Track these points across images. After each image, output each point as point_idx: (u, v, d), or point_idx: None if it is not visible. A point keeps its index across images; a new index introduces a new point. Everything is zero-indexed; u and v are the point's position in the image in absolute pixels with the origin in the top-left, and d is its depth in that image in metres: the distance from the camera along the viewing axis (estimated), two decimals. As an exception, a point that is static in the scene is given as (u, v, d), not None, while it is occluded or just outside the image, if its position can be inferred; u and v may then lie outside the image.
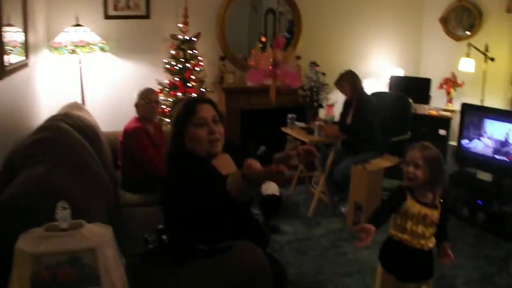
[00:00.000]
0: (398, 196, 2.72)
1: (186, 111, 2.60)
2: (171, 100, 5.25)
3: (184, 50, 5.31)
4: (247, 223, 2.71)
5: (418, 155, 2.68)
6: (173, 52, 5.33)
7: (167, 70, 5.34)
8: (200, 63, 5.44)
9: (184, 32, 5.35)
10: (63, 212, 1.76)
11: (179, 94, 5.23)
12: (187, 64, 5.29)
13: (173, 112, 2.75)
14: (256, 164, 2.24)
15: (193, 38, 5.38)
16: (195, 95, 5.26)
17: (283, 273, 2.81)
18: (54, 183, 2.36)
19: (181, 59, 5.29)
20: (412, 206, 2.68)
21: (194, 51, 5.39)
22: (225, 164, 2.65)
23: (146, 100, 4.26)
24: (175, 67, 5.29)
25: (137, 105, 4.26)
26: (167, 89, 5.31)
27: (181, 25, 5.37)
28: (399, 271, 2.75)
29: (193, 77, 5.31)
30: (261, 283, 2.29)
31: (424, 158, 2.67)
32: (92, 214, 2.31)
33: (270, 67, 4.68)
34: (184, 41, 5.32)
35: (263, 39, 6.11)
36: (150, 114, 4.34)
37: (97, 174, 3.14)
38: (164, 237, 2.24)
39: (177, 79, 5.29)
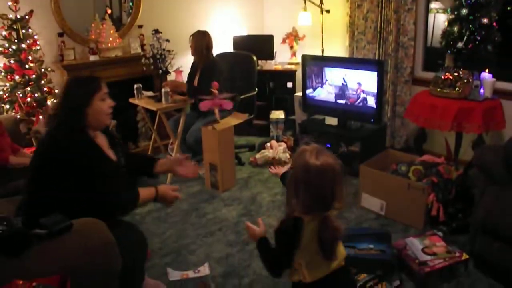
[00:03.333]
0: None
1: (92, 86, 2.83)
2: (8, 84, 4.97)
3: (17, 30, 5.02)
4: None
5: None
6: (4, 33, 5.03)
7: (1, 53, 5.03)
8: (36, 42, 5.17)
9: (14, 11, 5.06)
10: None
11: (17, 77, 4.97)
12: (22, 45, 5.02)
13: (64, 89, 2.80)
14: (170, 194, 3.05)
15: (25, 16, 5.11)
16: (35, 76, 5.03)
17: (143, 240, 3.01)
18: None
19: (14, 40, 5.02)
20: None
21: (28, 30, 5.12)
22: (103, 143, 2.96)
23: None
24: (9, 49, 5.01)
25: None
26: (3, 73, 5.02)
27: (10, 3, 5.06)
28: None
29: (30, 57, 5.05)
30: (109, 256, 2.31)
31: None
32: None
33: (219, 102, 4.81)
34: (15, 20, 5.04)
35: (109, 10, 5.92)
36: None
37: None
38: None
39: (13, 61, 5.02)
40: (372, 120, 5.09)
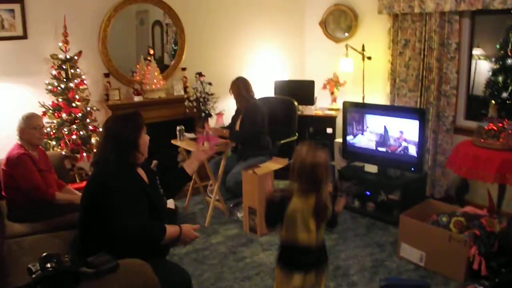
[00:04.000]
0: None
1: (139, 121, 3.02)
2: (56, 122, 5.11)
3: (66, 70, 5.19)
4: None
5: None
6: (54, 72, 5.20)
7: (50, 91, 5.19)
8: (83, 81, 5.33)
9: (65, 51, 5.23)
10: None
11: (64, 115, 5.11)
12: (70, 84, 5.18)
13: (112, 126, 2.92)
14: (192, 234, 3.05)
15: (74, 57, 5.28)
16: (81, 114, 5.16)
17: (187, 281, 3.04)
18: None
19: (63, 79, 5.18)
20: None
21: (76, 69, 5.28)
22: (145, 178, 3.06)
23: (34, 127, 4.18)
24: (58, 87, 5.17)
25: (22, 132, 4.13)
26: (51, 111, 5.17)
27: (61, 44, 5.24)
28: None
29: (77, 96, 5.20)
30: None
31: None
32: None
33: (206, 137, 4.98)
34: (65, 60, 5.21)
35: (151, 51, 6.09)
36: (39, 140, 4.30)
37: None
38: (49, 265, 2.21)
39: (61, 99, 5.17)
40: (412, 168, 5.05)
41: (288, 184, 2.93)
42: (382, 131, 5.24)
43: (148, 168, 3.20)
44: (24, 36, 5.27)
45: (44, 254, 2.28)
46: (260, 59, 7.18)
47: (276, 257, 3.04)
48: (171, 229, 2.93)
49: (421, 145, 4.96)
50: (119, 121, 3.01)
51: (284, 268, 2.91)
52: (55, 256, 2.17)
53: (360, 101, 6.33)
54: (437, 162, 5.75)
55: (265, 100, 6.14)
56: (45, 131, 4.50)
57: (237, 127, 5.47)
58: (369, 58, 6.31)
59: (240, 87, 5.44)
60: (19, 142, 4.15)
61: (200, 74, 6.01)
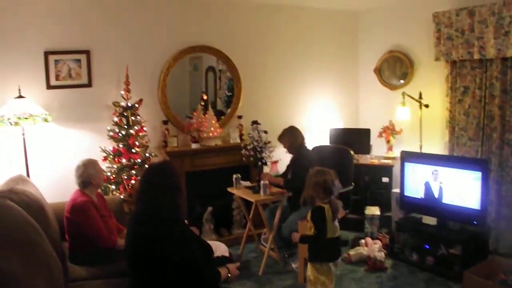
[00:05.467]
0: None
1: (177, 173, 3.16)
2: (116, 167, 5.22)
3: (127, 117, 5.33)
4: None
5: None
6: (116, 119, 5.34)
7: (111, 137, 5.33)
8: (143, 128, 5.46)
9: (126, 99, 5.38)
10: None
11: (124, 160, 5.22)
12: (130, 130, 5.30)
13: (158, 176, 3.01)
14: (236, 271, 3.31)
15: (135, 105, 5.42)
16: (140, 160, 5.26)
17: None
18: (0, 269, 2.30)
19: (124, 126, 5.31)
20: None
21: (137, 117, 5.42)
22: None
23: (100, 170, 4.31)
24: (119, 134, 5.30)
25: (93, 177, 4.18)
26: (112, 156, 5.29)
27: (123, 92, 5.40)
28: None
29: (137, 142, 5.31)
30: None
31: None
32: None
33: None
34: (126, 107, 5.35)
35: (205, 97, 6.20)
36: (102, 183, 4.45)
37: (44, 251, 3.08)
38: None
39: (121, 145, 5.29)
40: (474, 221, 4.88)
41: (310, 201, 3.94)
42: (441, 182, 5.12)
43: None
44: (89, 84, 5.50)
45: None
46: (315, 106, 7.21)
47: (313, 256, 3.90)
48: (223, 272, 3.17)
49: (484, 197, 4.79)
50: (168, 169, 3.11)
51: (323, 262, 3.85)
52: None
53: (417, 150, 6.24)
54: (501, 215, 5.53)
55: (320, 148, 6.13)
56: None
57: (309, 174, 5.44)
58: (426, 106, 6.23)
59: (293, 135, 5.46)
60: (80, 188, 4.20)
61: (256, 122, 6.04)
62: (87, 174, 4.17)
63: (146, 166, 5.10)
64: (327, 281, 3.85)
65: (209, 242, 3.55)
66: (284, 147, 5.58)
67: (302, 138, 5.55)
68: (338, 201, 3.91)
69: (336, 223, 3.86)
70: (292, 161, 5.52)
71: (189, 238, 2.96)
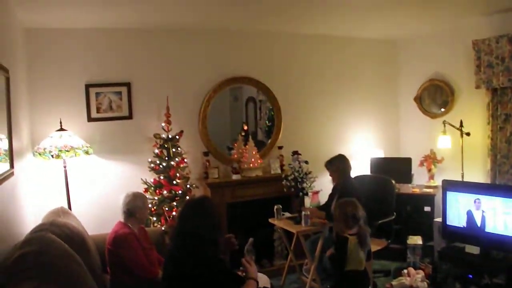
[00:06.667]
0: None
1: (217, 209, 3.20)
2: (157, 198, 5.29)
3: (167, 149, 5.41)
4: None
5: None
6: (157, 151, 5.43)
7: (152, 169, 5.41)
8: (184, 160, 5.52)
9: (167, 131, 5.47)
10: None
11: (165, 192, 5.28)
12: (171, 162, 5.37)
13: (204, 211, 3.02)
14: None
15: (176, 136, 5.50)
16: (181, 192, 5.31)
17: None
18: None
19: (165, 158, 5.39)
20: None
21: (177, 148, 5.49)
22: None
23: (147, 206, 4.39)
24: (160, 165, 5.38)
25: (139, 211, 4.21)
26: (153, 188, 5.36)
27: (163, 124, 5.50)
28: None
29: (177, 174, 5.37)
30: None
31: None
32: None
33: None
34: (167, 139, 5.44)
35: (245, 127, 6.27)
36: (145, 220, 4.49)
37: (86, 283, 3.11)
38: None
39: (162, 177, 5.36)
40: (518, 250, 4.77)
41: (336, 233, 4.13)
42: (484, 211, 5.03)
43: None
44: (130, 117, 5.61)
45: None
46: (356, 136, 7.21)
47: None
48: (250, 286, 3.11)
49: (528, 226, 4.69)
50: (210, 206, 3.14)
51: None
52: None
53: (459, 178, 6.14)
54: (546, 245, 5.41)
55: (361, 178, 6.08)
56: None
57: (333, 206, 5.39)
58: (468, 134, 6.15)
59: (339, 166, 5.40)
60: (123, 219, 4.23)
61: (296, 153, 6.05)
62: (134, 205, 4.19)
63: (186, 199, 5.13)
64: None
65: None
66: (330, 176, 5.49)
67: (350, 168, 5.49)
68: (366, 229, 4.09)
69: (362, 254, 3.96)
70: (338, 191, 5.42)
71: (228, 279, 2.95)
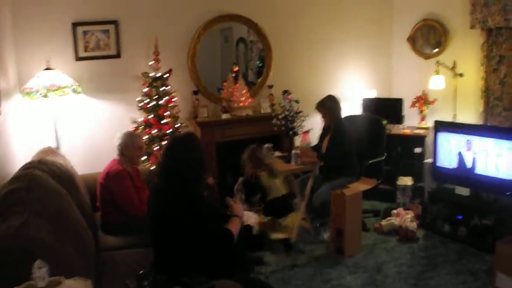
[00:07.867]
0: None
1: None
2: (147, 137, 5.24)
3: (156, 87, 5.32)
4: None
5: None
6: (145, 89, 5.34)
7: (141, 108, 5.34)
8: (173, 99, 5.45)
9: (155, 69, 5.38)
10: (39, 271, 1.73)
11: (154, 131, 5.23)
12: (160, 101, 5.30)
13: (188, 146, 2.98)
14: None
15: (165, 75, 5.40)
16: (170, 131, 5.26)
17: None
18: (31, 236, 2.31)
19: (154, 97, 5.31)
20: None
21: (166, 87, 5.41)
22: None
23: (140, 147, 4.37)
24: (149, 104, 5.31)
25: (126, 148, 4.24)
26: (142, 127, 5.30)
27: (152, 63, 5.39)
28: None
29: (167, 113, 5.31)
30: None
31: None
32: (71, 264, 2.31)
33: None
34: (156, 78, 5.34)
35: (236, 68, 6.18)
36: (138, 158, 4.48)
37: (74, 220, 3.11)
38: (145, 283, 2.24)
39: (151, 116, 5.29)
40: (508, 193, 4.78)
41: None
42: (475, 152, 5.02)
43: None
44: (118, 55, 5.51)
45: (141, 272, 2.32)
46: (347, 76, 7.11)
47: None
48: (233, 225, 3.03)
49: (518, 168, 4.69)
50: (194, 141, 3.11)
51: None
52: (152, 274, 2.19)
53: (451, 119, 6.13)
54: (536, 186, 5.44)
55: (352, 118, 6.03)
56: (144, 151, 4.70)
57: (324, 146, 5.36)
58: (461, 75, 6.10)
59: (330, 107, 5.30)
60: (117, 158, 4.25)
61: (287, 92, 5.98)
62: (123, 143, 4.23)
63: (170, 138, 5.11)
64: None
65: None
66: (323, 117, 5.40)
67: (341, 109, 5.39)
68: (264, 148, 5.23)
69: (277, 182, 5.31)
70: (330, 132, 5.36)
71: (211, 215, 2.94)
